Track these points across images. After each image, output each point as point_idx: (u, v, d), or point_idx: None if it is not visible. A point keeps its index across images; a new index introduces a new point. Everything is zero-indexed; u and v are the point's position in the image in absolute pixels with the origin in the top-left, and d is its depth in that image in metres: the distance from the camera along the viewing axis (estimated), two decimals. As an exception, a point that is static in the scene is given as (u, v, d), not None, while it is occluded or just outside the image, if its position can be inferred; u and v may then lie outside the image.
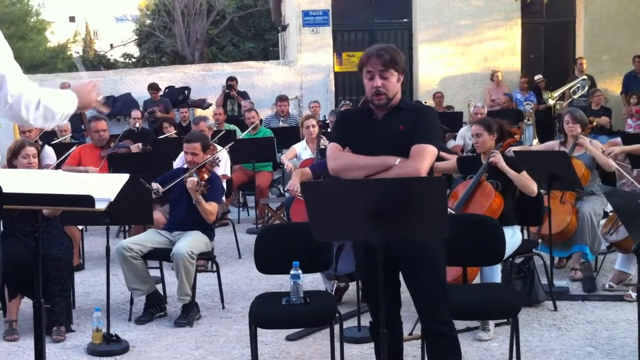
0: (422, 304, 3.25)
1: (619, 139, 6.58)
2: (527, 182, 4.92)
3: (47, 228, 4.97)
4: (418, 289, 3.24)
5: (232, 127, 10.05)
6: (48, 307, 4.39)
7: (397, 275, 3.34)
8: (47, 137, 8.94)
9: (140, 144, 7.50)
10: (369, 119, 3.33)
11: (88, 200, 2.88)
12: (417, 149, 3.16)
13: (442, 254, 3.27)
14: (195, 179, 5.18)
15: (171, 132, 9.40)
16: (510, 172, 4.92)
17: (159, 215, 6.11)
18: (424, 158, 3.14)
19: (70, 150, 7.25)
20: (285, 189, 6.45)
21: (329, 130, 9.12)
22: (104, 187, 3.05)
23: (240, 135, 9.51)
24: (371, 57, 3.23)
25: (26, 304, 4.82)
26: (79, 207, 3.01)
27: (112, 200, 3.00)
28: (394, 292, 3.35)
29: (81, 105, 2.95)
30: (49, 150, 6.81)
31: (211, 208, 5.26)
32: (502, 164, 4.95)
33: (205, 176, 5.32)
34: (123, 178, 3.19)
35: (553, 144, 6.25)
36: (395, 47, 3.32)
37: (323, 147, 7.60)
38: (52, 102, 2.78)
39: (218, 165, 6.82)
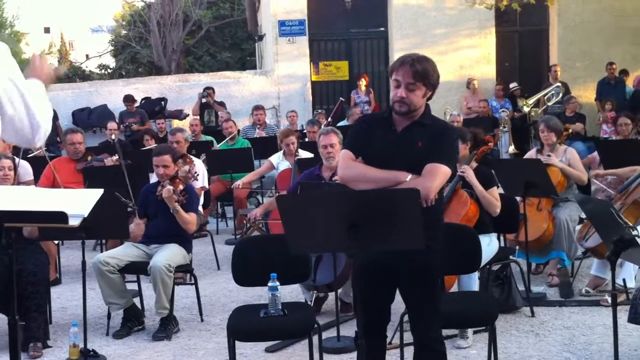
0: (415, 318, 3.25)
1: (596, 154, 6.64)
2: (491, 201, 4.93)
3: (24, 244, 4.93)
4: (413, 303, 3.24)
5: (209, 138, 10.03)
6: (23, 324, 4.33)
7: (393, 289, 3.31)
8: (24, 151, 8.83)
9: (115, 157, 7.44)
10: (388, 130, 3.23)
11: (61, 216, 2.86)
12: (430, 168, 3.08)
13: (440, 270, 3.26)
14: (170, 187, 5.15)
15: (152, 144, 9.34)
16: (478, 188, 4.93)
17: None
18: (436, 178, 3.07)
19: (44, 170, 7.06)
20: (248, 216, 6.52)
21: (307, 140, 9.11)
22: (78, 202, 3.02)
23: (217, 146, 9.50)
24: (404, 65, 3.13)
25: (2, 320, 4.76)
26: (52, 223, 2.98)
27: (85, 216, 2.97)
28: (385, 306, 3.33)
29: (46, 83, 2.84)
30: (26, 166, 6.68)
31: (190, 218, 5.25)
32: (472, 179, 4.96)
33: (181, 187, 5.30)
34: (97, 193, 3.16)
35: (531, 154, 6.28)
36: (432, 61, 3.21)
37: (301, 157, 7.61)
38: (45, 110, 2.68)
39: (196, 179, 6.81)
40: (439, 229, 3.24)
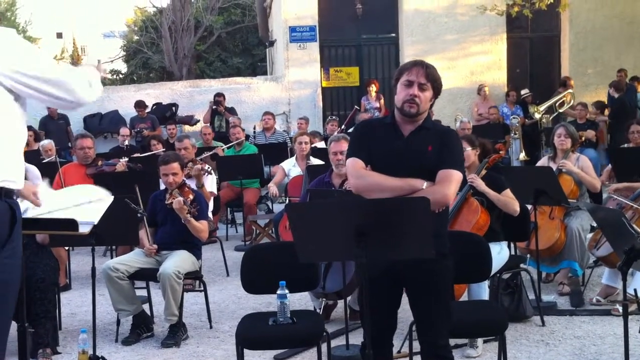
0: (423, 326, 3.23)
1: (610, 166, 6.59)
2: (509, 202, 4.92)
3: (34, 249, 4.95)
4: (421, 311, 3.22)
5: (219, 144, 10.08)
6: (32, 330, 4.35)
7: (398, 297, 3.30)
8: (34, 157, 8.88)
9: (125, 160, 7.47)
10: (394, 134, 3.22)
11: (71, 224, 2.87)
12: (445, 175, 3.09)
13: (449, 277, 3.23)
14: (180, 198, 5.17)
15: (159, 149, 9.39)
16: (491, 194, 4.92)
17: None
18: (451, 184, 3.08)
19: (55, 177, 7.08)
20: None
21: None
22: (88, 210, 3.04)
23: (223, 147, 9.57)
24: (417, 66, 3.18)
25: (12, 326, 4.76)
26: (62, 230, 3.00)
27: (95, 223, 2.99)
28: (390, 314, 3.31)
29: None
30: (34, 170, 6.69)
31: (202, 226, 5.26)
32: (482, 187, 4.94)
33: (191, 196, 5.30)
34: (107, 201, 3.18)
35: (543, 162, 6.25)
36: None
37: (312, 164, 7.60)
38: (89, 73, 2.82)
39: (210, 173, 6.85)
40: (446, 235, 3.25)
